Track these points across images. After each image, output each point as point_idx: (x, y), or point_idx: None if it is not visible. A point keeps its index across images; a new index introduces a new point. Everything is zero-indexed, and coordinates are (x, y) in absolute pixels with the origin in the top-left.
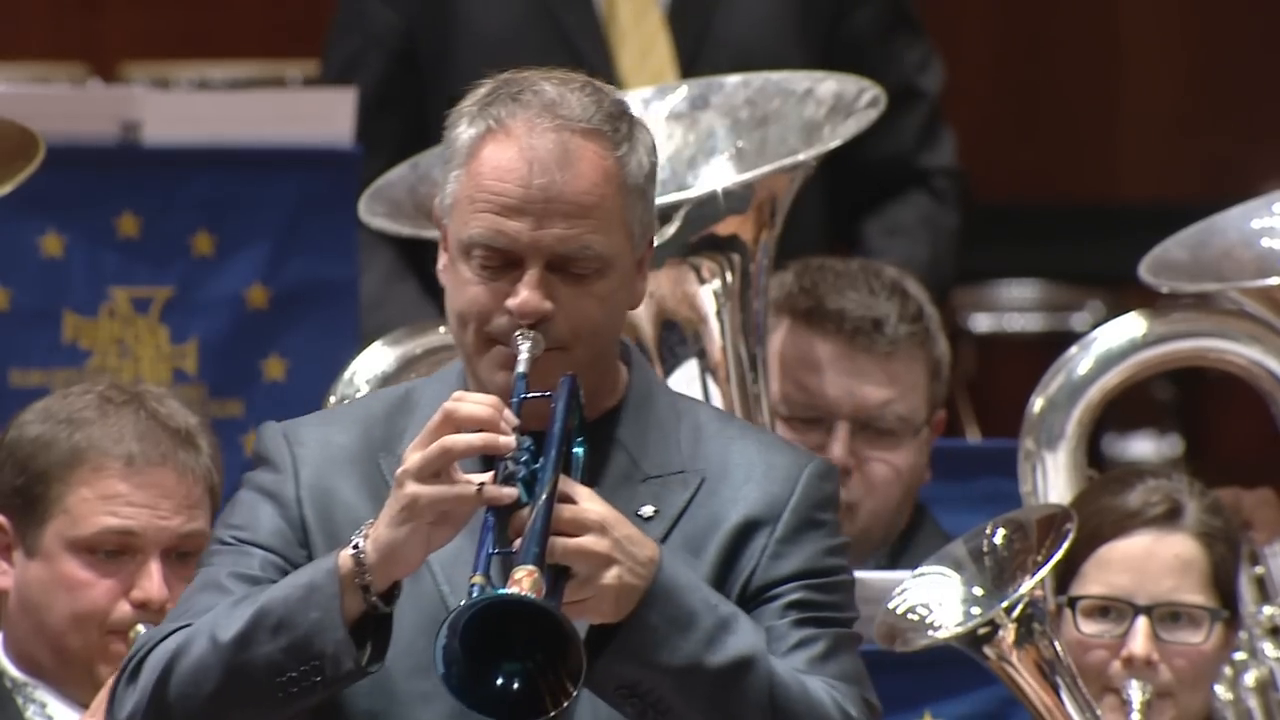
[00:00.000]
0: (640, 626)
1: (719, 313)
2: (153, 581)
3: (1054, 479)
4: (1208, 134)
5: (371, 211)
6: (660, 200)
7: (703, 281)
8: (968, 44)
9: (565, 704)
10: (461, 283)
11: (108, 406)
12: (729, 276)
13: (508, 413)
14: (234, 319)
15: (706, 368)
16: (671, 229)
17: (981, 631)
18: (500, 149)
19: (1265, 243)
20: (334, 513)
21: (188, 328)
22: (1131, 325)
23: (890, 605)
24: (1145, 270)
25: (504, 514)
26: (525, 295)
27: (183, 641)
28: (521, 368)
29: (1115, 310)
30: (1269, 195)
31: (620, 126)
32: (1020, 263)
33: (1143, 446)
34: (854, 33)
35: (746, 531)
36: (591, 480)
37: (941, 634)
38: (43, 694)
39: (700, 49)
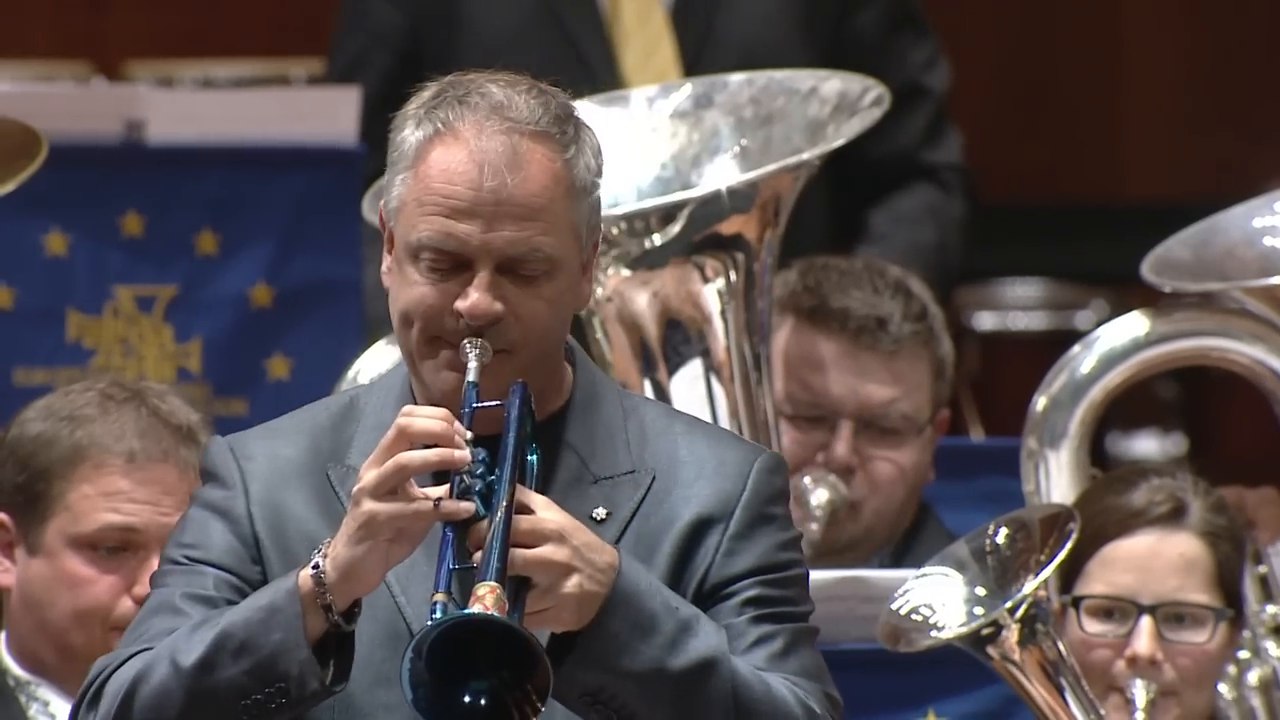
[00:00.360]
0: (602, 634)
1: (723, 312)
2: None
3: (1057, 478)
4: (1211, 133)
5: (375, 210)
6: (665, 199)
7: (707, 280)
8: (972, 45)
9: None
10: (408, 284)
11: (109, 404)
12: (733, 275)
13: (459, 425)
14: (238, 318)
15: (711, 366)
16: (676, 228)
17: (985, 632)
18: (449, 152)
19: (1267, 242)
20: (285, 527)
21: (192, 327)
22: (1134, 324)
23: (894, 606)
24: (1148, 269)
25: (462, 528)
26: (476, 298)
27: (142, 668)
28: (471, 376)
29: (1119, 309)
30: (1271, 194)
31: (568, 129)
32: (1024, 262)
33: (1146, 445)
34: (859, 32)
35: (699, 529)
36: (542, 484)
37: (945, 634)
38: (45, 691)
39: (704, 49)
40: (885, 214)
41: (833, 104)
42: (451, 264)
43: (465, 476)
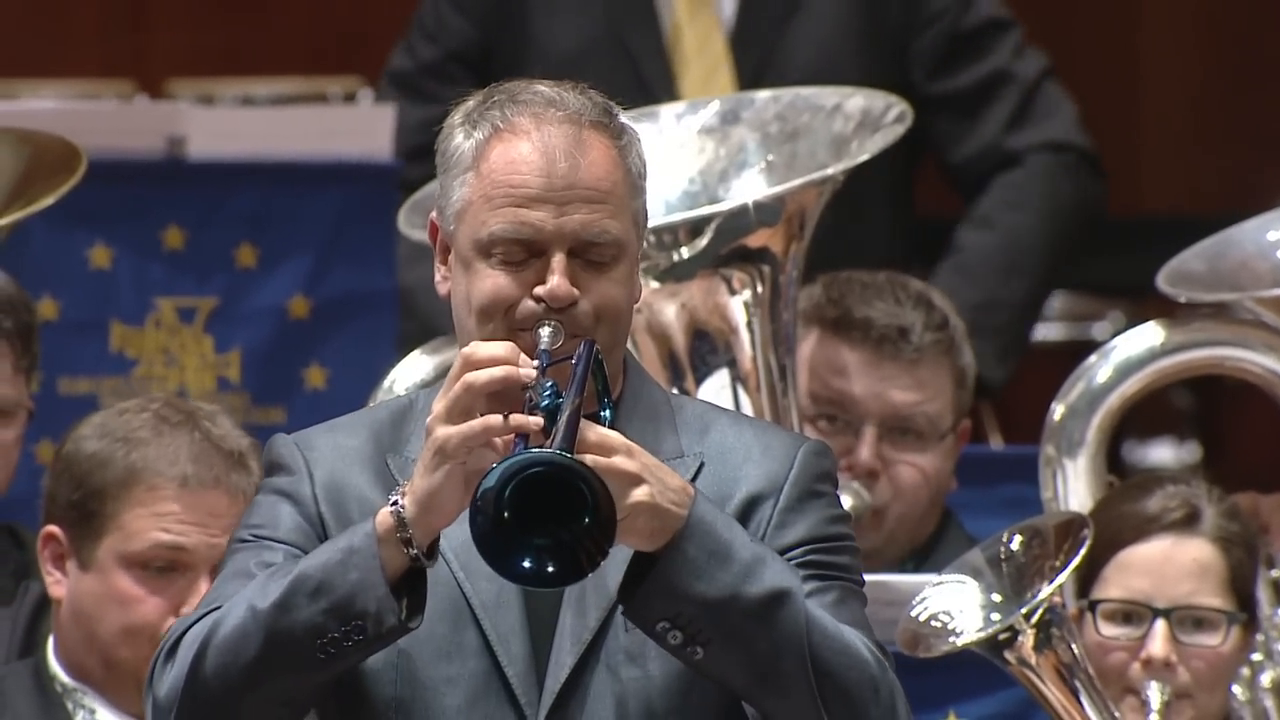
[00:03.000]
0: (678, 557)
1: (749, 323)
2: (201, 598)
3: (1075, 485)
4: (1226, 148)
5: (411, 224)
6: (692, 213)
7: (734, 292)
8: None
9: (601, 561)
10: (480, 279)
11: (163, 426)
12: (759, 287)
13: (524, 357)
14: (276, 329)
15: (737, 377)
16: (703, 241)
17: (1002, 637)
18: (511, 145)
19: None
20: (348, 505)
21: (231, 337)
22: (1150, 334)
23: (913, 613)
24: (1163, 281)
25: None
26: (556, 281)
27: (219, 617)
28: (544, 344)
29: (1135, 320)
30: None
31: (615, 121)
32: None
33: (1161, 453)
34: (931, 47)
35: (750, 507)
36: None
37: (963, 640)
38: (91, 700)
39: (764, 73)
40: (966, 226)
41: (856, 120)
42: (525, 254)
43: (532, 394)
